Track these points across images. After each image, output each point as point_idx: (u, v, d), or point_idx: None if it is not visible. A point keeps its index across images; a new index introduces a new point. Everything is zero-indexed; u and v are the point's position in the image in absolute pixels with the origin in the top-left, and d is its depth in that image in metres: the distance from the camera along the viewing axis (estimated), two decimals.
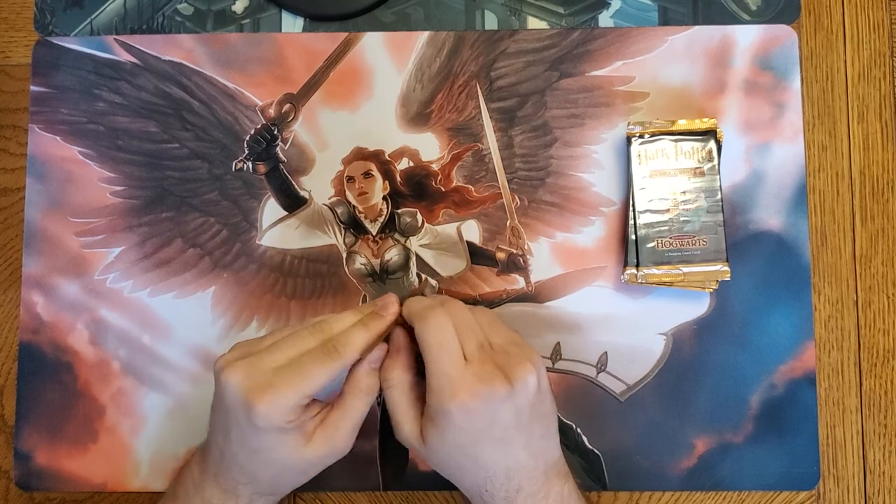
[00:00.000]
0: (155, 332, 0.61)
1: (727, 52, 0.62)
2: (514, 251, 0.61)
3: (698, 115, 0.61)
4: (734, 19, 0.63)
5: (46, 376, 0.60)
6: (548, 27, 0.63)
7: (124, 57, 0.63)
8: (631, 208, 0.58)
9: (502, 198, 0.62)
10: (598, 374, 0.60)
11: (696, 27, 0.62)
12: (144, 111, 0.63)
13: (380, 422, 0.60)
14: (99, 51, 0.63)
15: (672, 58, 0.62)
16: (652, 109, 0.62)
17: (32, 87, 0.63)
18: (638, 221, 0.58)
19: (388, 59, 0.63)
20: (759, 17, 0.63)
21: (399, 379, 0.50)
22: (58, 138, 0.62)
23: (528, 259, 0.61)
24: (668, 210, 0.58)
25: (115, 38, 0.63)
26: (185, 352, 0.60)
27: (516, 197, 0.62)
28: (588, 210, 0.61)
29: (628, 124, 0.59)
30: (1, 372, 0.61)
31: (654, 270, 0.57)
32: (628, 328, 0.60)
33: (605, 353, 0.60)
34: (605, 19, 0.63)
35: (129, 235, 0.62)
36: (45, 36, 0.64)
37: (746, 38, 0.62)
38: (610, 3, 0.63)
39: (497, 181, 0.62)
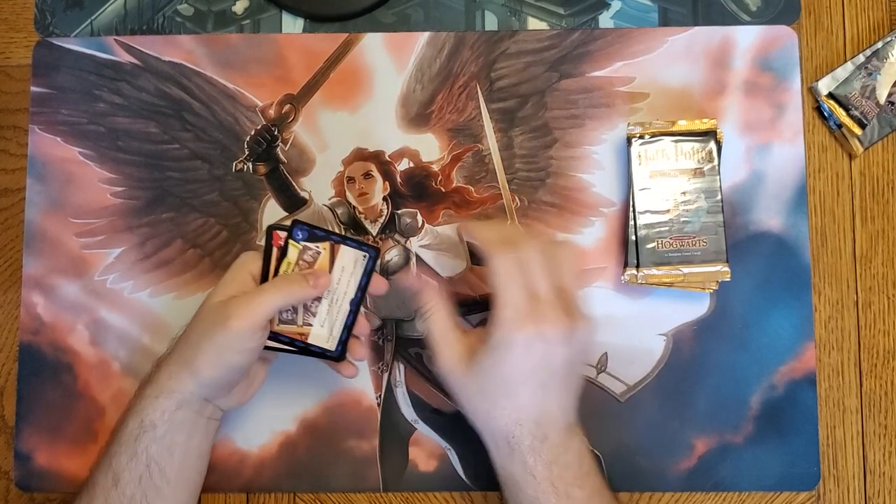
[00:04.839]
0: (155, 332, 0.61)
1: (727, 53, 0.62)
2: None
3: (698, 116, 0.61)
4: (734, 20, 0.63)
5: (46, 377, 0.60)
6: (548, 28, 0.63)
7: (124, 58, 0.63)
8: (631, 209, 0.58)
9: (502, 198, 0.62)
10: (598, 374, 0.60)
11: (696, 28, 0.62)
12: (145, 112, 0.63)
13: (380, 422, 0.60)
14: (99, 51, 0.63)
15: (672, 58, 0.62)
16: (652, 110, 0.62)
17: (33, 88, 0.63)
18: (638, 222, 0.57)
19: (388, 60, 0.63)
20: (758, 18, 0.63)
21: (438, 307, 0.53)
22: (58, 139, 0.62)
23: None
24: (668, 210, 0.58)
25: (115, 39, 0.63)
26: None
27: (516, 198, 0.62)
28: (588, 211, 0.61)
29: (628, 125, 0.59)
30: (1, 372, 0.61)
31: (654, 271, 0.57)
32: (628, 328, 0.60)
33: (605, 353, 0.60)
34: (605, 20, 0.63)
35: (130, 236, 0.62)
36: (45, 37, 0.64)
37: (746, 38, 0.62)
38: (610, 4, 0.63)
39: (497, 182, 0.62)
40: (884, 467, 0.60)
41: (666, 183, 0.58)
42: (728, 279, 0.57)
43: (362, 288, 0.54)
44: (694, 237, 0.57)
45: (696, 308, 0.60)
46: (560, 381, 0.51)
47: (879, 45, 0.61)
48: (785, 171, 0.61)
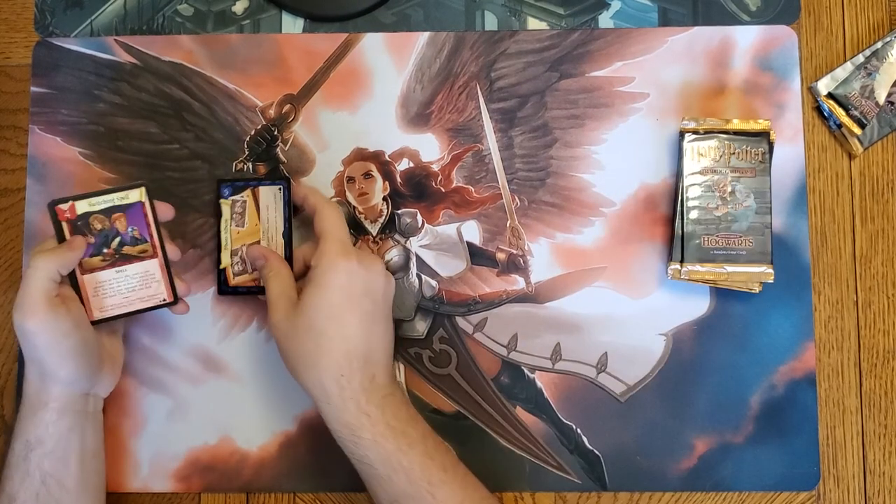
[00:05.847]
0: (155, 332, 0.61)
1: (727, 53, 0.62)
2: (514, 252, 0.61)
3: (700, 115, 0.60)
4: (734, 20, 0.63)
5: None
6: (548, 28, 0.63)
7: (124, 58, 0.63)
8: (679, 203, 0.57)
9: (502, 198, 0.62)
10: (598, 374, 0.60)
11: (696, 28, 0.62)
12: (145, 112, 0.63)
13: None
14: (99, 52, 0.63)
15: (672, 58, 0.62)
16: (652, 110, 0.62)
17: (33, 88, 0.63)
18: (686, 217, 0.57)
19: (388, 60, 0.63)
20: (758, 18, 0.63)
21: (278, 271, 0.55)
22: (58, 139, 0.62)
23: (528, 259, 0.61)
24: (716, 208, 0.57)
25: (115, 39, 0.63)
26: (185, 352, 0.60)
27: (516, 197, 0.62)
28: (588, 211, 0.61)
29: (682, 119, 0.58)
30: (1, 372, 0.61)
31: (697, 267, 0.57)
32: (628, 328, 0.60)
33: (605, 353, 0.60)
34: (605, 20, 0.63)
35: None
36: (45, 37, 0.64)
37: (746, 38, 0.62)
38: (610, 4, 0.63)
39: (497, 182, 0.62)
40: (884, 467, 0.60)
41: (716, 180, 0.57)
42: (771, 281, 0.57)
43: (287, 219, 0.58)
44: (740, 237, 0.57)
45: (695, 308, 0.60)
46: (382, 314, 0.53)
47: (879, 45, 0.61)
48: (785, 170, 0.61)
